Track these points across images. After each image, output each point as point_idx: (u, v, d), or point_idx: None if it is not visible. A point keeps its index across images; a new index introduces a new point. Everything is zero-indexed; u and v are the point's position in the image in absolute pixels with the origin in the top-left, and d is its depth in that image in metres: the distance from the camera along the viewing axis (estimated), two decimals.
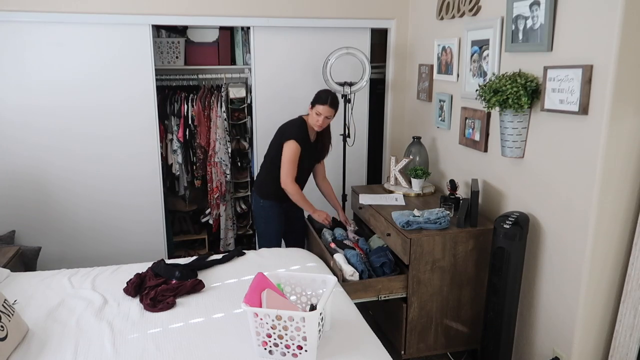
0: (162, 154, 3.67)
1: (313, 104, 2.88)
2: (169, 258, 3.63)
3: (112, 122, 3.39)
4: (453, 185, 2.85)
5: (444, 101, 3.18)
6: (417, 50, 3.60)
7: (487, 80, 2.46)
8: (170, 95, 3.84)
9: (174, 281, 2.32)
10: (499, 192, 2.69)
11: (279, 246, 3.08)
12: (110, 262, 3.30)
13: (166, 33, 3.81)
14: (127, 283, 2.28)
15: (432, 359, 2.80)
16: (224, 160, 3.82)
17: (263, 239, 3.12)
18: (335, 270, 2.56)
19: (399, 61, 3.78)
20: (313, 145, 3.02)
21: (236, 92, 3.84)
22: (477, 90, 2.47)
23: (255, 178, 3.24)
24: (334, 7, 3.55)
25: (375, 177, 4.12)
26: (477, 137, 2.82)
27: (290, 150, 2.86)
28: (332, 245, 2.86)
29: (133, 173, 3.49)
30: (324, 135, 3.07)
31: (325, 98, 2.84)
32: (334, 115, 2.91)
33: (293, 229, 3.23)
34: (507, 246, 2.33)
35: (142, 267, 2.55)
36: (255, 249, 3.12)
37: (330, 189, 3.28)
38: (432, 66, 3.33)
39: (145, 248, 3.60)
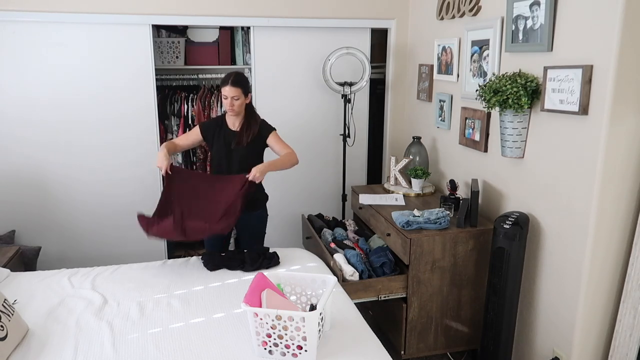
0: None
1: (219, 89, 2.76)
2: (168, 258, 3.63)
3: (112, 122, 3.39)
4: (453, 185, 2.85)
5: (444, 101, 3.18)
6: (417, 50, 3.60)
7: (487, 81, 2.46)
8: (170, 95, 3.84)
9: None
10: (499, 192, 2.69)
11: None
12: (110, 262, 3.30)
13: (166, 33, 3.80)
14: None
15: (432, 359, 2.80)
16: None
17: None
18: (335, 270, 2.56)
19: (399, 61, 3.78)
20: (235, 133, 2.77)
21: None
22: (477, 90, 2.47)
23: None
24: (334, 7, 3.55)
25: (375, 177, 4.13)
26: (477, 137, 2.82)
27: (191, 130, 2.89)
28: (332, 245, 2.86)
29: (133, 173, 3.49)
30: (251, 122, 2.78)
31: (227, 79, 2.67)
32: (246, 95, 2.71)
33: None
34: (507, 246, 2.33)
35: (142, 267, 2.56)
36: None
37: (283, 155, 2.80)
38: (432, 66, 3.33)
39: (145, 248, 3.60)
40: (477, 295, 2.69)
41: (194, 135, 2.81)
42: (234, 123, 2.78)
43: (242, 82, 2.69)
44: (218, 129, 2.79)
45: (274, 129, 2.82)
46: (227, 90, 2.66)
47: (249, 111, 2.79)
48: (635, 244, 2.04)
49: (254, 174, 2.54)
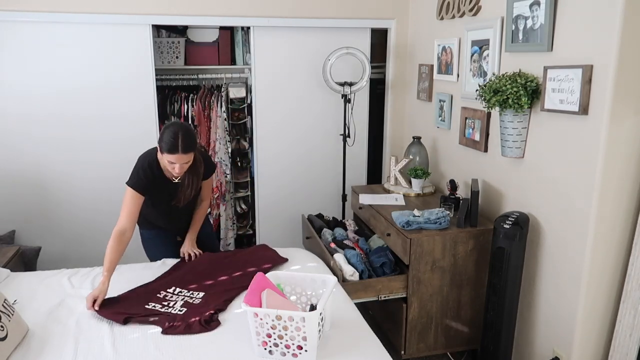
0: None
1: (161, 150, 2.21)
2: None
3: (112, 122, 3.40)
4: (453, 185, 2.85)
5: (444, 101, 3.18)
6: (417, 50, 3.60)
7: (487, 80, 2.46)
8: (170, 95, 3.84)
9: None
10: (499, 192, 2.69)
11: None
12: None
13: (166, 33, 3.81)
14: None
15: (432, 359, 2.80)
16: (224, 160, 3.82)
17: None
18: (335, 270, 2.56)
19: (399, 61, 3.78)
20: (176, 185, 2.43)
21: (236, 92, 3.84)
22: (477, 90, 2.47)
23: None
24: (334, 7, 3.55)
25: (375, 177, 4.13)
26: (477, 137, 2.82)
27: (125, 197, 2.31)
28: (332, 245, 2.86)
29: None
30: (194, 172, 2.40)
31: (174, 146, 2.15)
32: (194, 153, 2.30)
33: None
34: (507, 246, 2.33)
35: (142, 267, 2.55)
36: None
37: (199, 213, 2.64)
38: (432, 66, 3.33)
39: None
40: (477, 295, 2.69)
41: (135, 201, 2.31)
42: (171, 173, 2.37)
43: (193, 144, 2.24)
44: (153, 179, 2.36)
45: (214, 172, 2.56)
46: (177, 158, 2.19)
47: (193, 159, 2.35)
48: (635, 243, 2.04)
49: (194, 253, 2.49)
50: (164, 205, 2.47)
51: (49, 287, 2.32)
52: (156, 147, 2.39)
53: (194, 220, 2.66)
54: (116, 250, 2.22)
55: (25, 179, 3.35)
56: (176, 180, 2.42)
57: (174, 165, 2.23)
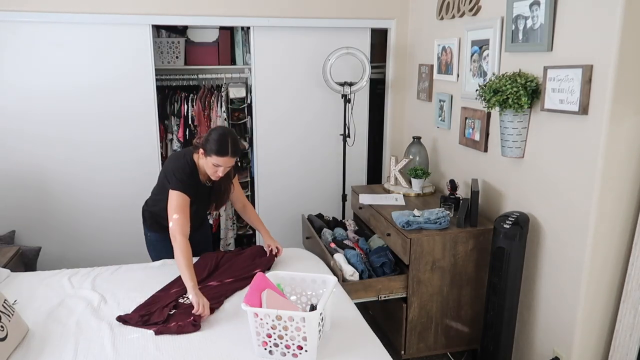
0: (162, 154, 3.67)
1: (208, 152, 2.22)
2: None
3: (112, 122, 3.40)
4: (453, 185, 2.85)
5: (444, 101, 3.18)
6: (417, 50, 3.60)
7: (487, 80, 2.46)
8: (170, 95, 3.84)
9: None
10: (499, 192, 2.69)
11: None
12: (111, 262, 3.29)
13: (166, 33, 3.81)
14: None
15: (432, 359, 2.80)
16: None
17: None
18: (335, 270, 2.56)
19: (399, 61, 3.78)
20: (209, 188, 2.47)
21: (236, 92, 3.84)
22: (477, 90, 2.47)
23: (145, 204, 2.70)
24: (334, 7, 3.55)
25: (375, 177, 4.13)
26: (477, 137, 2.82)
27: (176, 201, 2.26)
28: (332, 245, 2.86)
29: (133, 172, 3.49)
30: (227, 173, 2.39)
31: (224, 148, 2.18)
32: None
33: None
34: (507, 246, 2.33)
35: (143, 267, 2.55)
36: None
37: (254, 215, 2.75)
38: (432, 66, 3.33)
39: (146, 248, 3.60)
40: (477, 295, 2.69)
41: (186, 202, 2.30)
42: (205, 174, 2.38)
43: (240, 149, 2.28)
44: (193, 180, 2.35)
45: (237, 171, 2.58)
46: (225, 161, 2.22)
47: None
48: (636, 243, 2.04)
49: (278, 248, 2.55)
50: (193, 207, 2.38)
51: (49, 287, 2.32)
52: (190, 150, 2.40)
53: (256, 223, 2.72)
54: (190, 255, 2.18)
55: (26, 179, 3.35)
56: (209, 184, 2.44)
57: (218, 168, 2.24)
